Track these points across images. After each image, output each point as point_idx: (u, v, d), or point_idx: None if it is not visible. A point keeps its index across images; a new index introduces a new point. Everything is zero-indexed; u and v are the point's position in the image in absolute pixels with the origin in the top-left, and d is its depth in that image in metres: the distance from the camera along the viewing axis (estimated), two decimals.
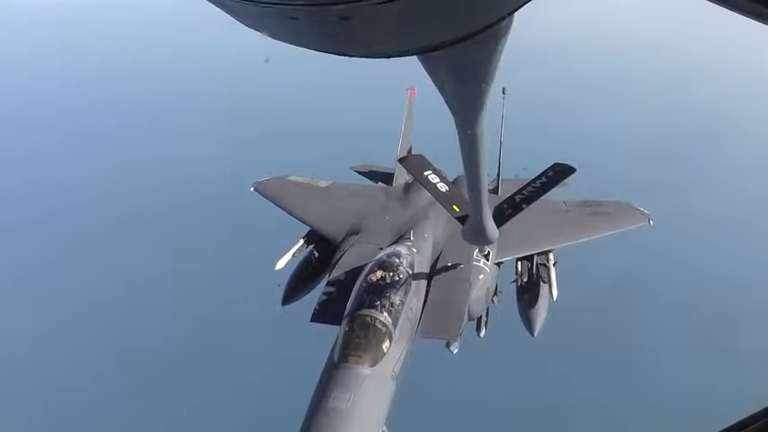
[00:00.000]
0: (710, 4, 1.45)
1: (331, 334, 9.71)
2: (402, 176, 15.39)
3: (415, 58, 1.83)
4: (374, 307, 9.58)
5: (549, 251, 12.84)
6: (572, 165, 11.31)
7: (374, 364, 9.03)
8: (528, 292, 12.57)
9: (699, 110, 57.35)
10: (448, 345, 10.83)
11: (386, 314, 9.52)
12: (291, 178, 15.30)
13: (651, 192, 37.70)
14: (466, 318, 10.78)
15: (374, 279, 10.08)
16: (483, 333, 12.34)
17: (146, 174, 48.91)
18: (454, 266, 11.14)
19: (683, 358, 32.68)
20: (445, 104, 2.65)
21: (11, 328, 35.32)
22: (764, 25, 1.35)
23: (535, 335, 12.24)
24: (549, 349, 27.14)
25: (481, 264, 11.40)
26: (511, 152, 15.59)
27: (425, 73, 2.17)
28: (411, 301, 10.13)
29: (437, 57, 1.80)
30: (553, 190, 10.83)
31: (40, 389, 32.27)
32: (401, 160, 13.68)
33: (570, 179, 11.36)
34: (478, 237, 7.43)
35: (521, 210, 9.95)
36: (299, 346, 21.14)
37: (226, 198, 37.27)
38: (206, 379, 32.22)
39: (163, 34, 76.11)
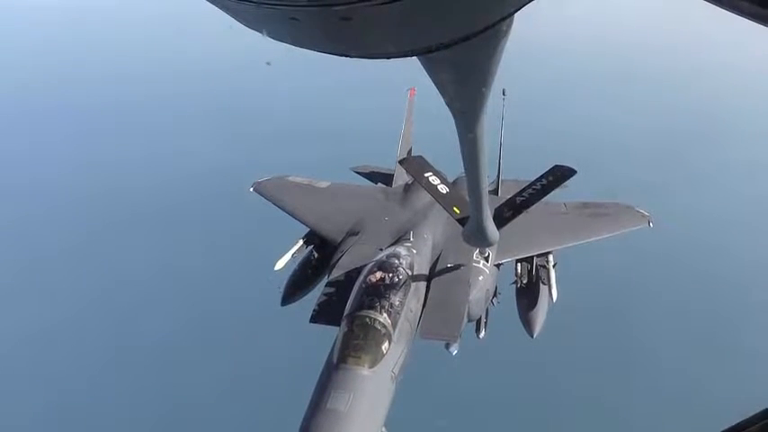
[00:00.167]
0: (709, 4, 1.44)
1: (330, 335, 9.69)
2: (402, 177, 15.37)
3: (415, 58, 1.81)
4: (373, 308, 9.55)
5: (549, 253, 12.81)
6: (572, 167, 11.33)
7: (373, 365, 9.00)
8: (527, 294, 12.55)
9: (699, 110, 57.43)
10: (447, 346, 10.84)
11: (385, 315, 9.50)
12: (291, 178, 15.27)
13: (651, 192, 37.76)
14: (465, 319, 10.76)
15: (374, 280, 10.05)
16: (482, 334, 12.31)
17: (145, 173, 48.91)
18: (454, 268, 11.12)
19: (683, 358, 32.71)
20: (445, 105, 2.64)
21: (10, 327, 35.26)
22: (763, 26, 1.34)
23: (535, 336, 12.22)
24: (549, 351, 27.17)
25: (481, 265, 11.37)
26: (511, 153, 15.59)
27: (425, 73, 2.16)
28: (410, 302, 10.10)
29: (437, 57, 1.79)
30: (553, 191, 10.84)
31: (39, 389, 32.22)
32: (401, 162, 13.67)
33: (570, 179, 11.37)
34: (479, 239, 7.42)
35: (521, 212, 9.95)
36: (298, 347, 21.17)
37: (225, 198, 37.28)
38: (204, 379, 32.20)
39: (163, 34, 76.18)
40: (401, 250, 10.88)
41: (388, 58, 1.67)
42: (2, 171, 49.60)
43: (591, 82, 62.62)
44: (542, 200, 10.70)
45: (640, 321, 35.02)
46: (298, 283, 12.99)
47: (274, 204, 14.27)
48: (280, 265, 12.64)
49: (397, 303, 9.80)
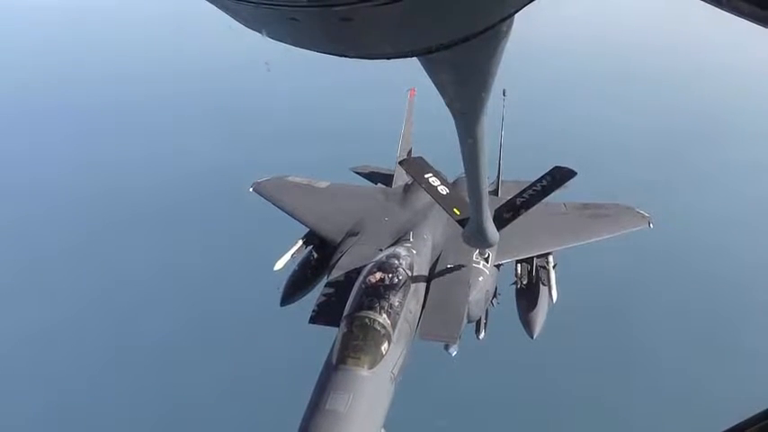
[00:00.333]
0: (709, 5, 1.44)
1: (329, 335, 9.68)
2: (402, 178, 15.34)
3: (415, 58, 1.81)
4: (373, 308, 9.52)
5: (549, 253, 12.79)
6: (572, 168, 11.32)
7: (373, 365, 8.96)
8: (527, 295, 12.51)
9: (698, 110, 57.48)
10: (447, 347, 10.79)
11: (385, 316, 9.47)
12: (290, 179, 15.24)
13: (651, 192, 37.78)
14: (465, 320, 10.72)
15: (373, 280, 10.02)
16: (482, 335, 12.28)
17: (145, 173, 48.93)
18: (454, 268, 11.09)
19: (683, 358, 32.72)
20: (445, 106, 2.63)
21: (10, 327, 35.25)
22: (762, 27, 1.34)
23: (534, 337, 12.18)
24: (549, 352, 27.19)
25: (481, 266, 11.35)
26: (511, 153, 15.58)
27: (425, 74, 2.15)
28: (410, 303, 10.07)
29: (438, 58, 1.78)
30: (553, 192, 10.84)
31: (39, 389, 32.20)
32: (401, 163, 13.64)
33: (570, 180, 11.36)
34: (479, 240, 7.41)
35: (521, 213, 9.94)
36: (297, 348, 21.16)
37: (224, 198, 37.30)
38: (204, 380, 32.20)
39: (163, 34, 76.22)
40: (401, 251, 10.85)
41: (387, 59, 1.67)
42: (2, 171, 49.62)
43: (591, 82, 62.66)
44: (542, 200, 10.69)
45: (640, 321, 35.02)
46: (297, 284, 12.95)
47: (274, 204, 14.23)
48: (279, 265, 12.61)
49: (397, 304, 9.77)
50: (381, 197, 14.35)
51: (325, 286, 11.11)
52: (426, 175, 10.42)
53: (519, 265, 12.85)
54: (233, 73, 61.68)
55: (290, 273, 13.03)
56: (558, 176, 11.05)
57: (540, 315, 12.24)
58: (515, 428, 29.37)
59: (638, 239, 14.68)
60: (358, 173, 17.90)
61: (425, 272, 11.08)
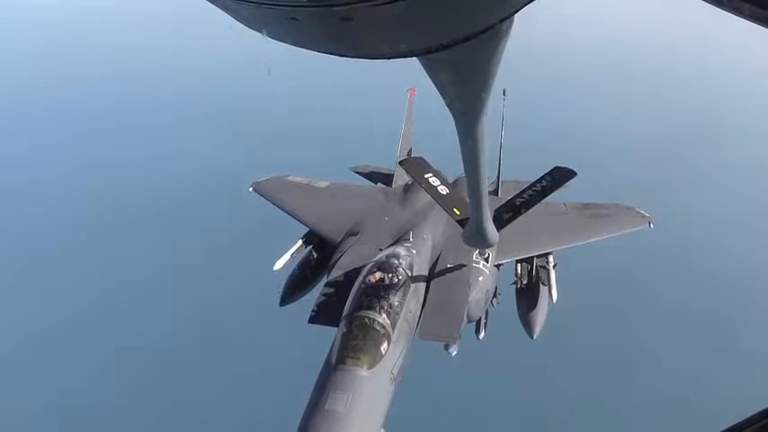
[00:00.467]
0: (709, 5, 1.45)
1: (329, 335, 9.68)
2: (402, 177, 15.33)
3: (415, 58, 1.81)
4: (373, 308, 9.51)
5: (549, 253, 12.79)
6: (572, 168, 11.32)
7: (372, 365, 8.95)
8: (527, 295, 12.51)
9: (699, 110, 57.49)
10: (447, 347, 10.77)
11: (384, 316, 9.46)
12: (290, 178, 15.23)
13: (651, 192, 37.78)
14: (465, 320, 10.72)
15: (373, 280, 10.01)
16: (482, 335, 12.28)
17: (145, 173, 48.92)
18: (454, 268, 11.08)
19: (683, 358, 32.72)
20: (445, 106, 2.63)
21: (10, 327, 35.24)
22: (763, 27, 1.34)
23: (534, 337, 12.18)
24: (549, 351, 27.18)
25: (481, 266, 11.34)
26: (511, 153, 15.58)
27: (425, 73, 2.15)
28: (410, 303, 10.06)
29: (438, 58, 1.78)
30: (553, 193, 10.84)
31: (39, 389, 32.20)
32: (401, 163, 13.63)
33: (570, 180, 11.36)
34: (479, 240, 7.41)
35: (521, 213, 9.93)
36: (296, 348, 21.17)
37: (225, 198, 37.29)
38: (204, 379, 32.20)
39: (163, 34, 76.20)
40: (401, 250, 10.84)
41: (387, 59, 1.67)
42: (2, 171, 49.61)
43: (591, 82, 62.66)
44: (542, 201, 10.68)
45: (640, 321, 35.03)
46: (297, 284, 12.94)
47: (274, 204, 14.23)
48: (279, 265, 12.60)
49: (397, 304, 9.76)
50: (381, 197, 14.34)
51: (325, 286, 11.10)
52: (426, 175, 10.43)
53: (519, 264, 12.84)
54: (233, 73, 61.67)
55: (289, 272, 13.02)
56: (558, 177, 11.05)
57: (540, 315, 12.24)
58: (515, 428, 29.36)
59: (638, 239, 14.67)
60: (358, 173, 17.88)
61: (425, 272, 11.07)
